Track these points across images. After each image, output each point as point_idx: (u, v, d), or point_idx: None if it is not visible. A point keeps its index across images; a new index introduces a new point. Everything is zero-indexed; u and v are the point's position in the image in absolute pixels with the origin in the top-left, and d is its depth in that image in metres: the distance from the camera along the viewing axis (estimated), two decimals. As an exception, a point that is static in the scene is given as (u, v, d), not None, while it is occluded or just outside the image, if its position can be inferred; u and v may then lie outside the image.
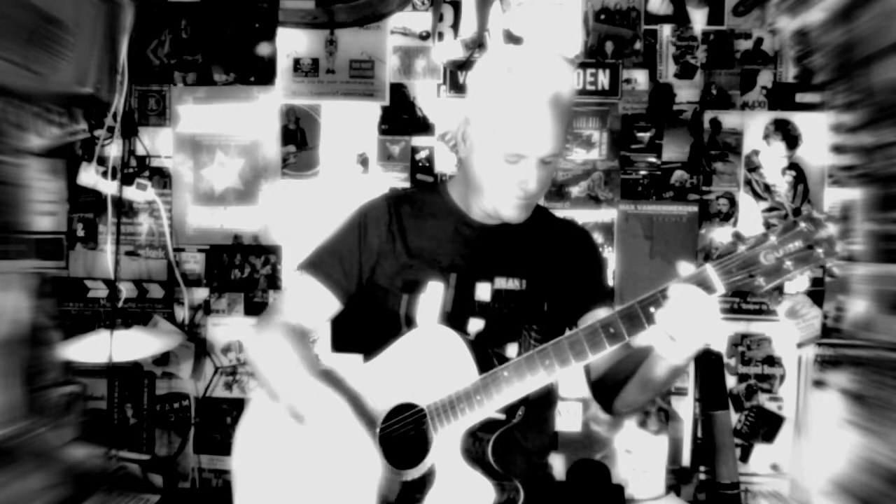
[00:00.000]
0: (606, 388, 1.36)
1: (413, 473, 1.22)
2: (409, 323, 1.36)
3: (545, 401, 1.46)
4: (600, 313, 1.40)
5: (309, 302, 1.41)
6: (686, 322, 1.01)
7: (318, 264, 1.42)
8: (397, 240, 1.41)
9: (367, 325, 1.45)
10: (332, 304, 1.41)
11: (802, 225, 0.99)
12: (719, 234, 2.60)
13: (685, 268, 1.05)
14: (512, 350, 1.37)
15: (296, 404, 1.23)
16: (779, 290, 1.02)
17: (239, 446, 1.39)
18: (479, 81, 1.33)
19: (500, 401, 1.17)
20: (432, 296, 1.36)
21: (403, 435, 1.26)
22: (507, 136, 1.26)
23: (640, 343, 1.09)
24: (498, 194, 1.33)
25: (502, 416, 1.19)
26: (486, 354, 1.24)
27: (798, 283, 1.03)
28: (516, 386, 1.15)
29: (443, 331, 1.25)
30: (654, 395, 1.30)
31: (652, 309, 1.04)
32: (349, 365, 1.39)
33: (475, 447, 1.20)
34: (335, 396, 1.20)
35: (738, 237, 1.04)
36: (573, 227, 1.56)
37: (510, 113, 1.26)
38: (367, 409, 1.28)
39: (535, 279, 1.40)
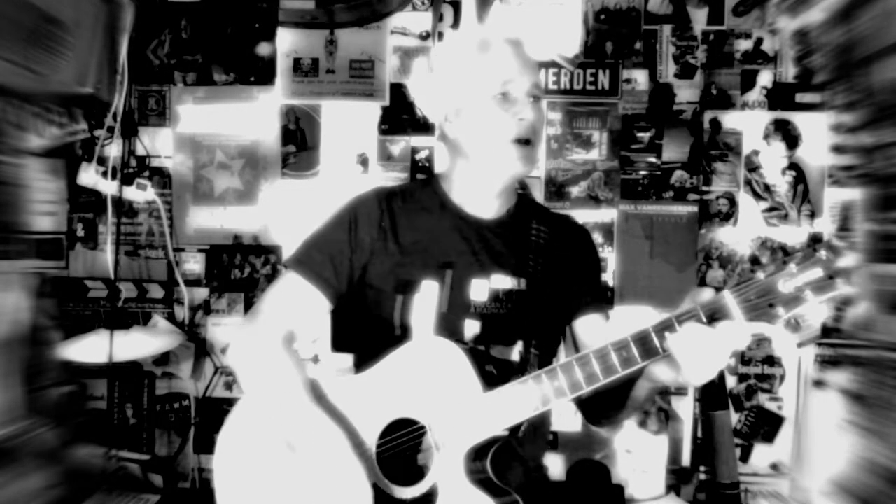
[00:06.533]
0: (593, 405, 1.33)
1: (414, 492, 1.17)
2: (404, 329, 1.30)
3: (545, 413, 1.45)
4: (597, 319, 1.38)
5: (297, 302, 1.34)
6: (699, 356, 0.97)
7: (307, 262, 1.35)
8: (389, 237, 1.35)
9: (360, 330, 1.39)
10: (322, 305, 1.34)
11: (822, 253, 0.97)
12: (719, 234, 2.60)
13: (703, 294, 1.01)
14: (511, 355, 1.31)
15: (286, 431, 1.19)
16: (797, 321, 0.99)
17: (219, 461, 1.28)
18: (449, 61, 1.40)
19: (508, 421, 1.13)
20: (427, 297, 1.30)
21: (403, 451, 1.20)
22: (491, 75, 1.31)
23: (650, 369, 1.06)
24: (497, 144, 1.31)
25: (506, 433, 1.16)
26: (488, 365, 1.21)
27: (817, 312, 1.01)
28: (524, 408, 1.12)
29: (441, 343, 1.20)
30: (633, 412, 1.27)
31: (667, 334, 1.00)
32: (343, 377, 1.31)
33: (476, 464, 1.17)
34: (328, 422, 1.16)
35: (755, 263, 1.03)
36: (572, 224, 1.51)
37: (486, 57, 1.33)
38: (352, 428, 1.20)
39: (535, 278, 1.35)
